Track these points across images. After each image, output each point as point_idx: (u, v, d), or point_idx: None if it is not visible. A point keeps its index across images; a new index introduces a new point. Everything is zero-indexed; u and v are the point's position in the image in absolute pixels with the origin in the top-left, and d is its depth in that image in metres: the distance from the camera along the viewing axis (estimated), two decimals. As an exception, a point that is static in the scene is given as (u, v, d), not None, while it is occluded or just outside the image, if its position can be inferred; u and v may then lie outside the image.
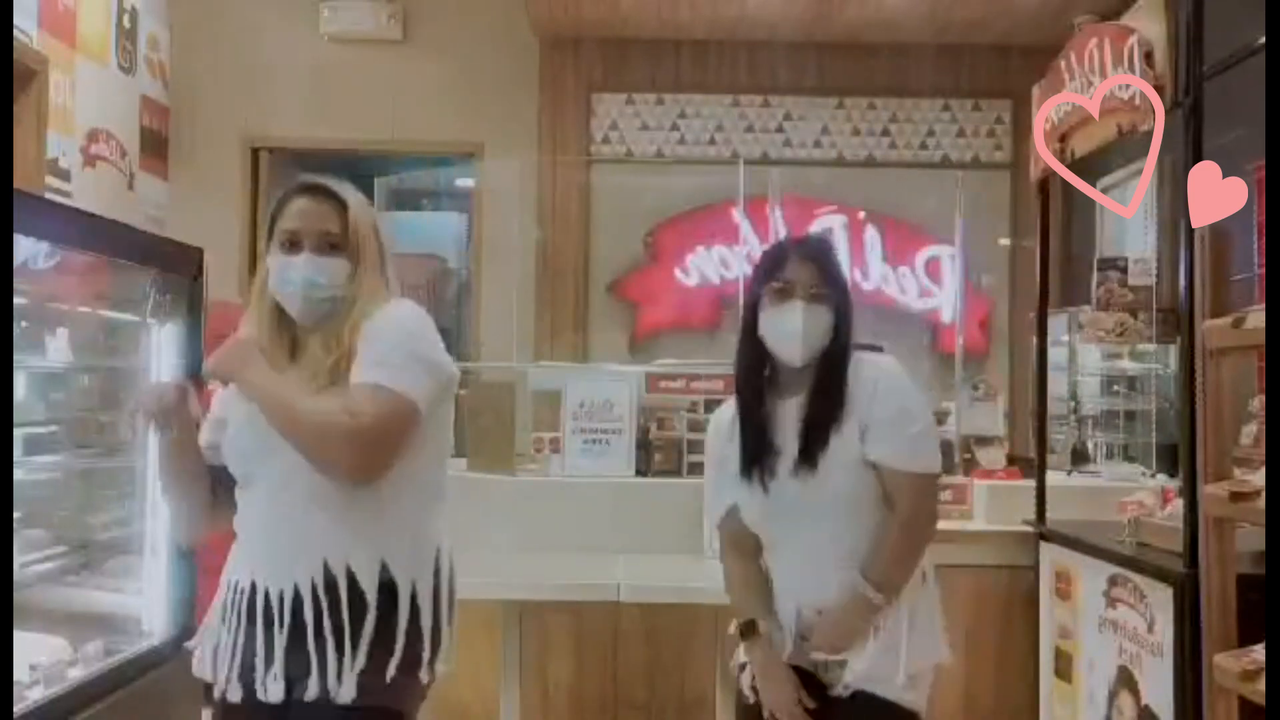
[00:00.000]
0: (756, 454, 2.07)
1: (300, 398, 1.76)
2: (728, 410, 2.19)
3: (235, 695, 1.81)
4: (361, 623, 1.76)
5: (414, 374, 1.77)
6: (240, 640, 1.82)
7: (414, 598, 1.80)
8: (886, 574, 2.01)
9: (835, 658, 2.03)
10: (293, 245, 1.85)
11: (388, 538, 1.80)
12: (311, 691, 1.75)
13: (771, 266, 2.10)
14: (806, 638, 2.08)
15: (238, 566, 1.87)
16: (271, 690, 1.77)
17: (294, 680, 1.77)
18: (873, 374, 2.04)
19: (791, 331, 2.03)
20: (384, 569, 1.78)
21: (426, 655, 1.82)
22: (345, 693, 1.74)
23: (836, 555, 2.05)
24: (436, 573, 1.86)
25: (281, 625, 1.77)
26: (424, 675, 1.83)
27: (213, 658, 1.86)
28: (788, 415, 2.07)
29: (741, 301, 2.15)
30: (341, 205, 1.88)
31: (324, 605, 1.76)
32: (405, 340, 1.81)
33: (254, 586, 1.81)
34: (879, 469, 2.01)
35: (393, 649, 1.77)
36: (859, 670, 2.02)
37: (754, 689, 2.13)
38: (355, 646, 1.75)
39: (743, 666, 2.17)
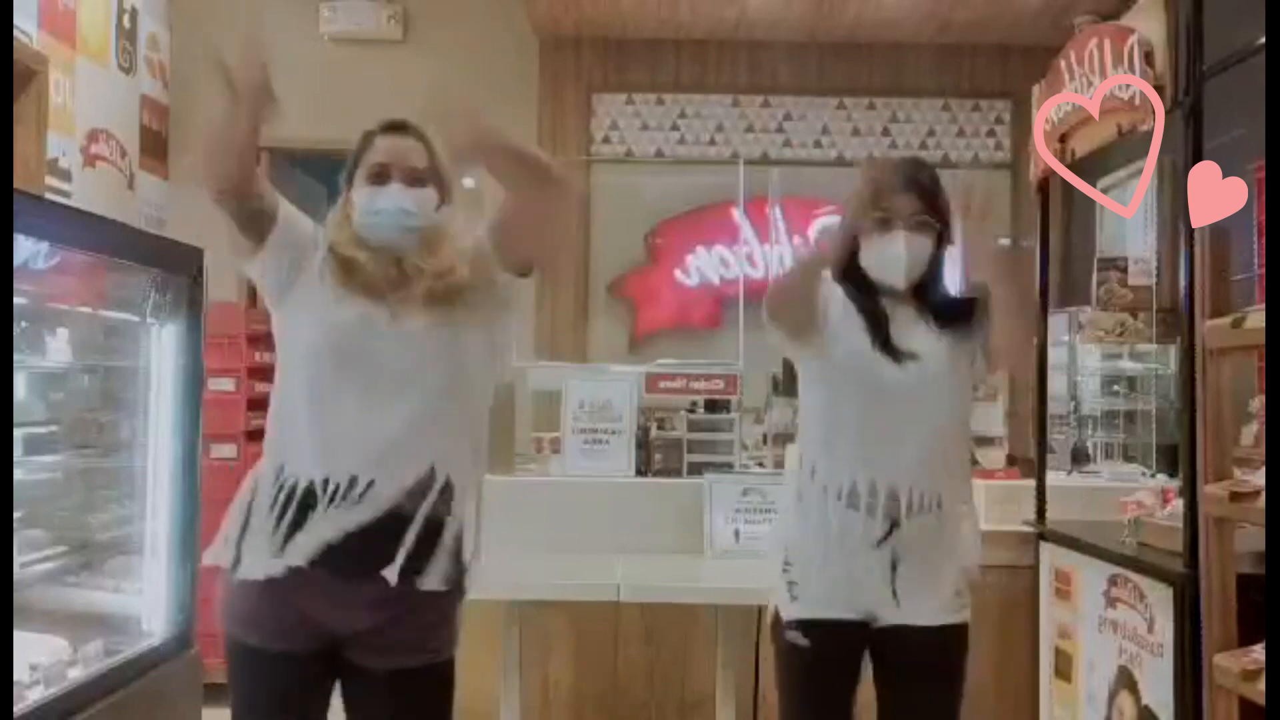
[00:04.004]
0: (879, 324, 2.12)
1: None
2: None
3: (307, 578, 1.83)
4: (450, 520, 1.88)
5: None
6: (333, 529, 1.82)
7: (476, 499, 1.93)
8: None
9: None
10: (380, 177, 1.91)
11: (469, 440, 1.94)
12: (396, 579, 1.82)
13: (872, 196, 2.14)
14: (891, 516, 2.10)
15: (325, 461, 1.84)
16: (374, 574, 1.82)
17: (381, 570, 1.83)
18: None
19: (895, 258, 2.10)
20: (460, 471, 1.90)
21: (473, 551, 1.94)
22: (430, 581, 1.84)
23: (927, 448, 2.11)
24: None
25: (393, 519, 1.83)
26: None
27: (276, 546, 1.84)
28: (899, 315, 2.14)
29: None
30: (425, 141, 1.94)
31: (430, 502, 1.85)
32: None
33: (354, 480, 1.82)
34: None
35: (466, 543, 1.90)
36: (922, 608, 2.10)
37: (803, 634, 2.11)
38: (443, 540, 1.86)
39: (788, 625, 2.15)
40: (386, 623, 1.85)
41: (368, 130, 1.98)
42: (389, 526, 1.83)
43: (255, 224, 1.93)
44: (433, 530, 1.86)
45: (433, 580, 1.85)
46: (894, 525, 2.08)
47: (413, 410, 1.85)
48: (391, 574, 1.82)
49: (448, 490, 1.87)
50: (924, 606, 2.10)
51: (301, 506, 1.83)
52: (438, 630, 1.92)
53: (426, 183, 1.92)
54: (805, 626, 2.11)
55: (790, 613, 2.13)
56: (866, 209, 2.12)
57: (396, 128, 1.96)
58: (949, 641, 2.12)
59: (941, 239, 2.14)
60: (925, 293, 2.16)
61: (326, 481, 1.82)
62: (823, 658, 2.12)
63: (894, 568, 2.09)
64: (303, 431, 1.86)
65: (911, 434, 2.10)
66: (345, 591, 1.84)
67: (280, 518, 1.84)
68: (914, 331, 2.14)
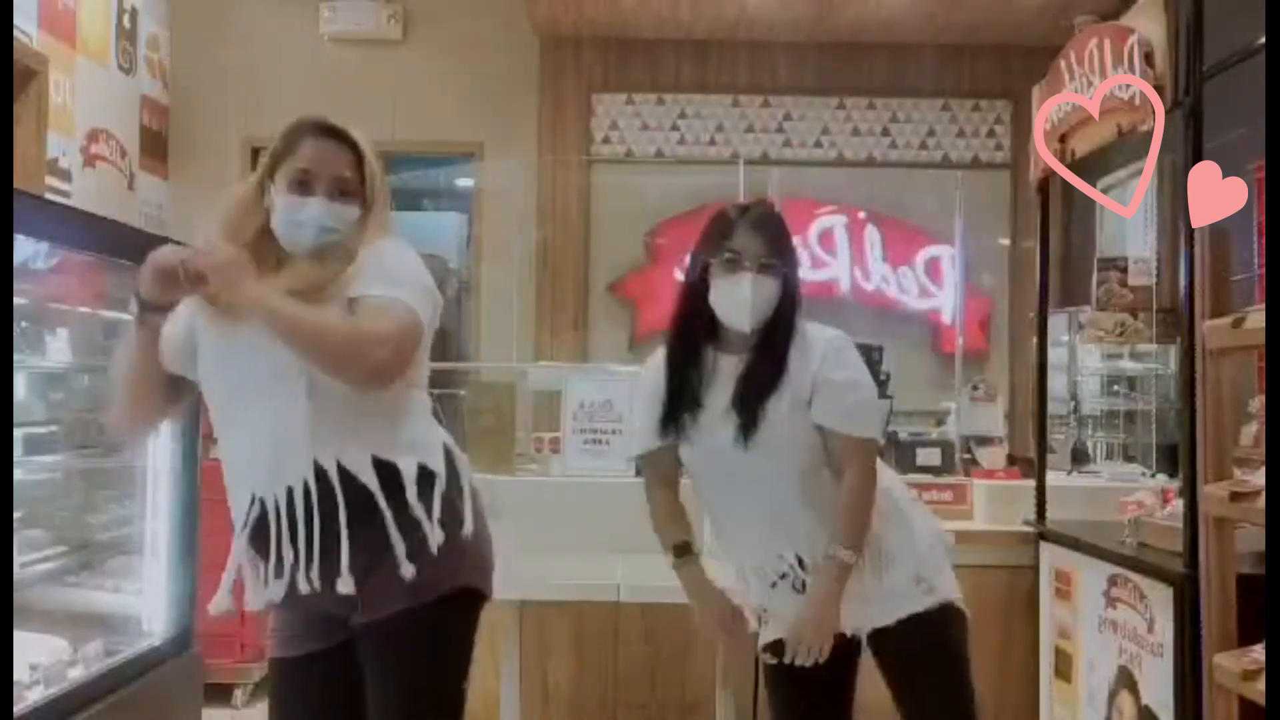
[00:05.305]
0: (680, 408, 2.11)
1: (310, 311, 1.72)
2: (658, 358, 2.23)
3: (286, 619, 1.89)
4: (373, 510, 1.79)
5: (419, 294, 1.80)
6: (267, 559, 1.82)
7: (421, 480, 1.84)
8: (854, 535, 2.05)
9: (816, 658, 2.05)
10: (304, 185, 1.82)
11: (380, 433, 1.82)
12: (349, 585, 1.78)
13: (720, 235, 2.11)
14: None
15: (240, 489, 1.84)
16: (303, 585, 1.79)
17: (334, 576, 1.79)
18: (820, 342, 2.09)
19: (741, 301, 2.07)
20: (377, 460, 1.80)
21: (462, 526, 1.90)
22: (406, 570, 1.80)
23: (782, 521, 2.09)
24: (449, 457, 1.92)
25: (310, 525, 1.77)
26: (464, 551, 1.90)
27: (258, 586, 1.86)
28: (725, 373, 2.11)
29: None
30: (355, 149, 1.86)
31: (334, 500, 1.77)
32: (409, 263, 1.83)
33: (254, 499, 1.80)
34: (823, 433, 2.06)
35: (422, 526, 1.83)
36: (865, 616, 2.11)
37: (772, 654, 2.16)
38: (400, 528, 1.80)
39: (764, 649, 2.21)
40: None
41: (294, 126, 1.86)
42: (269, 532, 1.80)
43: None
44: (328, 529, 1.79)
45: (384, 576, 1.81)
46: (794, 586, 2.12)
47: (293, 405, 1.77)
48: (344, 585, 1.78)
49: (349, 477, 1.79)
50: (874, 611, 2.11)
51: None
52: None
53: (352, 195, 1.84)
54: (772, 648, 2.17)
55: (764, 637, 2.21)
56: (714, 249, 2.10)
57: (323, 131, 1.85)
58: (923, 628, 2.11)
59: (788, 283, 2.10)
60: (772, 339, 2.09)
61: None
62: (791, 673, 2.13)
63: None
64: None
65: (765, 509, 2.10)
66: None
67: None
68: (762, 394, 2.06)
